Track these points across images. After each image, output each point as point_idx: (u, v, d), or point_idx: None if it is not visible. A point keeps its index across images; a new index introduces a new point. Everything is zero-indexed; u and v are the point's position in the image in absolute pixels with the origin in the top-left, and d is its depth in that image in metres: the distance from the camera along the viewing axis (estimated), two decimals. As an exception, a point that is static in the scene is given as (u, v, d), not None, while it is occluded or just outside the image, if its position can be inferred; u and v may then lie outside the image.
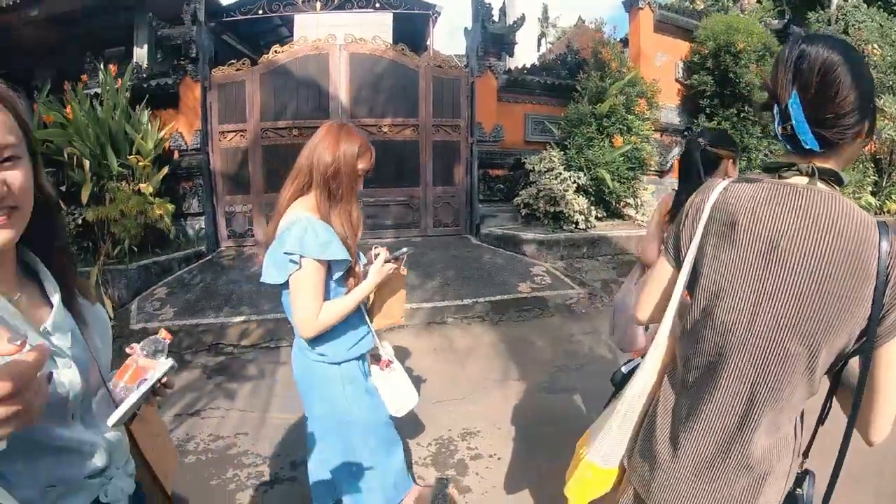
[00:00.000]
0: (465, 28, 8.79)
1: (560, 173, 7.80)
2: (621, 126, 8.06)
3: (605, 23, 9.59)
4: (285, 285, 1.97)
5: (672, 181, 9.61)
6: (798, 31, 12.85)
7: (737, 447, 1.19)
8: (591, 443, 1.51)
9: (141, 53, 9.61)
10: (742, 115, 9.32)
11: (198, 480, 3.09)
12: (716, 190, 1.25)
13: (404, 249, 2.23)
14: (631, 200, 8.26)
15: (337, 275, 2.01)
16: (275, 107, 8.06)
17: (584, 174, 7.79)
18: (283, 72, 8.06)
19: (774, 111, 1.17)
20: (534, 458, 3.25)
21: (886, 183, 12.42)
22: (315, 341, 2.01)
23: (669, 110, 9.90)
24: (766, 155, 9.51)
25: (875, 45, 19.51)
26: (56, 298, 1.05)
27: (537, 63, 10.15)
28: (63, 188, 6.47)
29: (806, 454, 1.31)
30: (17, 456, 0.89)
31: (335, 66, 8.07)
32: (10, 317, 0.93)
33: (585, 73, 8.63)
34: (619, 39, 9.85)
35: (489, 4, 8.78)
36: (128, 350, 1.16)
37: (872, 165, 13.39)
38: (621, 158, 7.86)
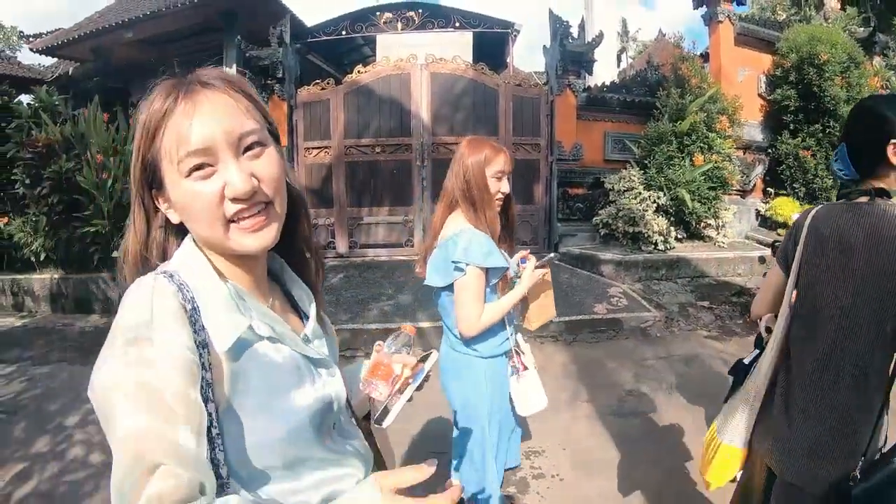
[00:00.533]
0: (544, 46, 8.86)
1: (640, 193, 7.78)
2: (702, 144, 7.96)
3: (683, 38, 9.45)
4: (446, 288, 2.21)
5: (755, 201, 9.44)
6: (884, 39, 12.44)
7: (837, 396, 1.54)
8: (727, 429, 1.80)
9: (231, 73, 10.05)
10: (827, 130, 9.01)
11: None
12: (811, 213, 1.66)
13: (551, 255, 2.48)
14: (712, 221, 8.14)
15: (493, 281, 2.21)
16: (358, 124, 8.35)
17: (664, 194, 7.74)
18: (365, 91, 8.33)
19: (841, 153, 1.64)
20: (594, 480, 3.30)
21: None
22: (470, 339, 2.22)
23: (752, 127, 9.70)
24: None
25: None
26: (310, 306, 1.03)
27: (617, 80, 10.15)
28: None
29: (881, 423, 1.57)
30: (291, 476, 0.87)
31: (416, 84, 8.28)
32: (273, 323, 0.90)
33: (665, 91, 8.57)
34: (699, 54, 9.72)
35: (567, 22, 8.84)
36: (375, 348, 1.18)
37: None
38: (702, 178, 7.77)
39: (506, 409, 2.39)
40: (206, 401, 0.76)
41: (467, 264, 2.08)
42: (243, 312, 0.86)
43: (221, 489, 0.77)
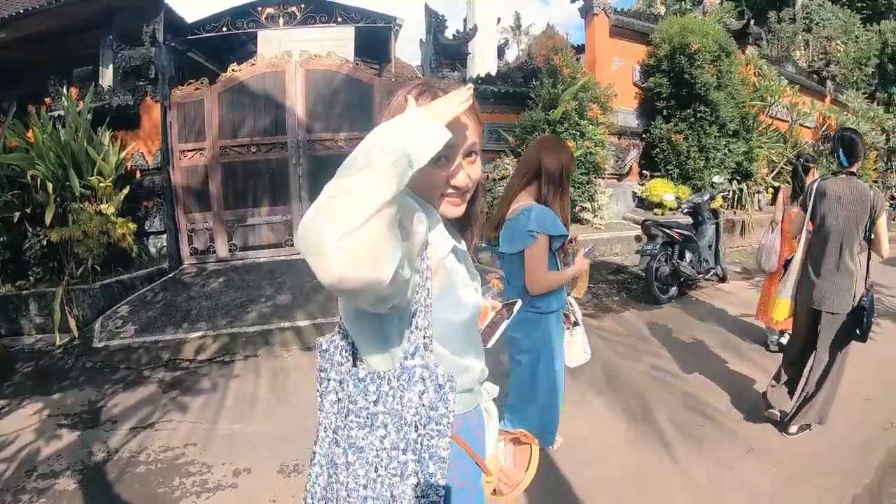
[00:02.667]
0: (421, 40, 8.94)
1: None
2: (574, 131, 8.19)
3: (569, 33, 9.73)
4: (515, 255, 2.72)
5: (631, 183, 9.78)
6: (756, 30, 13.10)
7: (842, 264, 3.36)
8: (783, 291, 3.70)
9: (108, 74, 9.71)
10: (699, 115, 9.45)
11: (145, 488, 3.25)
12: (817, 182, 3.52)
13: (591, 246, 3.18)
14: (588, 205, 8.40)
15: (555, 246, 2.76)
16: (233, 124, 8.19)
17: (484, 200, 7.88)
18: (240, 89, 8.18)
19: (839, 155, 3.43)
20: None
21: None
22: (532, 298, 2.73)
23: (627, 114, 10.07)
24: (724, 154, 9.69)
25: (838, 42, 19.99)
26: (462, 243, 1.38)
27: (493, 73, 10.29)
28: (28, 210, 6.56)
29: (866, 279, 3.42)
30: (461, 352, 1.31)
31: (291, 82, 8.20)
32: (460, 247, 1.33)
33: (539, 81, 8.77)
34: (574, 46, 10.00)
35: (442, 16, 8.95)
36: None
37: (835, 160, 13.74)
38: (575, 163, 7.99)
39: (560, 361, 2.97)
40: (425, 280, 1.15)
41: (538, 232, 2.59)
42: (452, 237, 1.28)
43: (425, 347, 1.16)
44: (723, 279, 7.73)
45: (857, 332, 3.36)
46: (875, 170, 15.83)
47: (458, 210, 1.28)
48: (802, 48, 18.02)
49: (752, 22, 12.60)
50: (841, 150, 3.47)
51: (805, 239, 3.63)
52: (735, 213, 10.59)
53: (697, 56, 9.30)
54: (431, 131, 1.00)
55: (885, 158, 17.05)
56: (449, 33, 9.18)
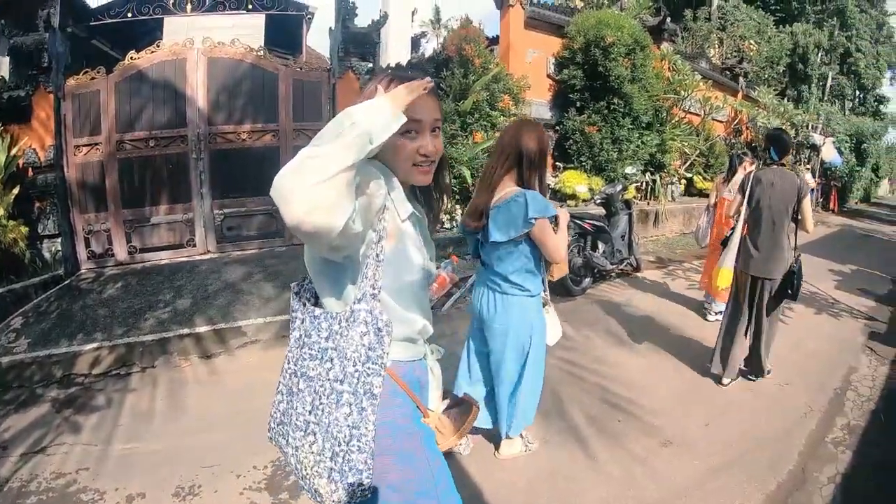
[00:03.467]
0: (330, 28, 8.69)
1: None
2: (485, 122, 8.12)
3: (482, 23, 9.67)
4: (506, 243, 2.76)
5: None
6: (672, 27, 13.40)
7: (774, 238, 4.07)
8: (724, 261, 4.27)
9: (4, 63, 9.06)
10: (612, 107, 9.54)
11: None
12: (756, 172, 4.23)
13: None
14: (501, 196, 8.30)
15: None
16: (131, 116, 7.68)
17: (448, 173, 7.78)
18: (139, 79, 7.69)
19: (770, 151, 4.20)
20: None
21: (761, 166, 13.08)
22: (519, 281, 2.86)
23: (540, 105, 10.08)
24: (637, 146, 9.83)
25: (751, 41, 20.78)
26: (420, 209, 1.58)
27: (405, 63, 10.11)
28: None
29: (795, 250, 4.12)
30: (410, 309, 1.50)
31: (192, 71, 7.77)
32: (417, 212, 1.53)
33: (450, 71, 8.66)
34: (488, 37, 9.94)
35: (353, 4, 8.74)
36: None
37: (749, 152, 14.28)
38: (485, 155, 7.91)
39: (543, 339, 3.07)
40: (379, 238, 1.36)
41: (537, 218, 2.63)
42: (412, 205, 1.47)
43: (372, 296, 1.36)
44: (637, 269, 7.79)
45: (790, 291, 4.12)
46: (784, 163, 16.62)
47: (427, 178, 1.47)
48: (717, 46, 18.58)
49: (667, 19, 12.88)
50: (772, 147, 4.25)
51: (743, 218, 4.28)
52: (649, 203, 10.76)
53: (612, 49, 9.38)
54: (391, 115, 1.23)
55: (795, 151, 17.86)
56: (366, 22, 8.95)
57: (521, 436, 3.32)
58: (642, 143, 9.99)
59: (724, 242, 4.49)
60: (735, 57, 16.68)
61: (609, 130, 9.49)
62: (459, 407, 1.80)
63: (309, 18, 10.25)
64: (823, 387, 4.51)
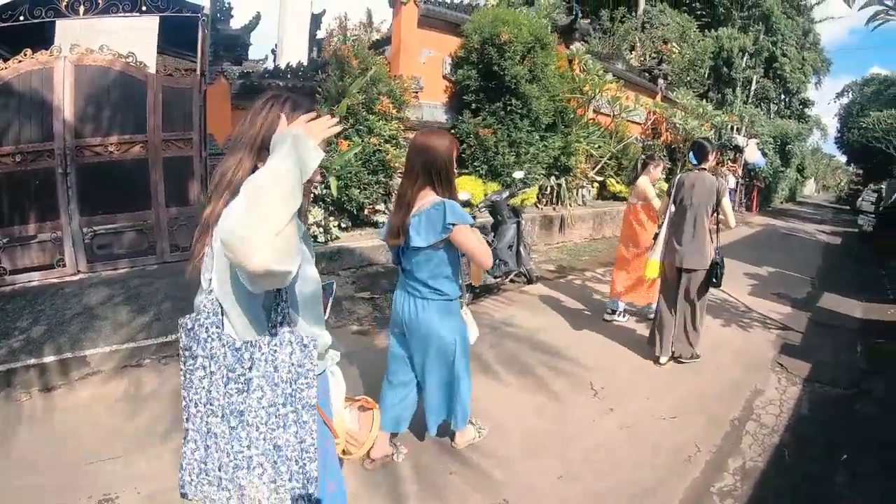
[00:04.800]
0: (204, 30, 7.83)
1: None
2: (361, 128, 7.31)
3: (381, 22, 8.96)
4: (427, 248, 2.76)
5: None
6: (585, 26, 12.97)
7: (696, 233, 4.58)
8: (653, 253, 4.84)
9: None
10: (509, 108, 8.85)
11: None
12: (680, 176, 4.80)
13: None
14: (381, 206, 7.53)
15: None
16: (-4, 130, 6.70)
17: (321, 182, 6.98)
18: (5, 90, 6.67)
19: (691, 156, 4.75)
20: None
21: (681, 169, 12.74)
22: (438, 286, 2.87)
23: (435, 108, 9.34)
24: (538, 149, 9.19)
25: (674, 45, 20.71)
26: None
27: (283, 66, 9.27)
28: None
29: (715, 244, 4.67)
30: (314, 321, 1.60)
31: (59, 81, 6.84)
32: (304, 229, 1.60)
33: (326, 73, 7.85)
34: (375, 38, 9.19)
35: (228, 4, 7.90)
36: None
37: (666, 152, 13.98)
38: (358, 163, 7.12)
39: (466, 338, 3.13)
40: None
41: (455, 224, 2.66)
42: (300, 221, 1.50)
43: (290, 315, 1.44)
44: (531, 280, 7.13)
45: (714, 280, 4.62)
46: (704, 168, 16.46)
47: (307, 199, 1.59)
48: (638, 47, 18.36)
49: (579, 18, 12.43)
50: (692, 153, 4.76)
51: (669, 216, 4.76)
52: (555, 208, 10.15)
53: (508, 47, 8.69)
54: (314, 154, 1.28)
55: (716, 153, 17.67)
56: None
57: (471, 422, 3.42)
58: (544, 145, 9.34)
59: (655, 236, 5.01)
60: (654, 58, 16.37)
61: (505, 133, 8.79)
62: (361, 412, 1.88)
63: (205, 20, 9.32)
64: (718, 419, 3.97)
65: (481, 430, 3.51)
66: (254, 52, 9.06)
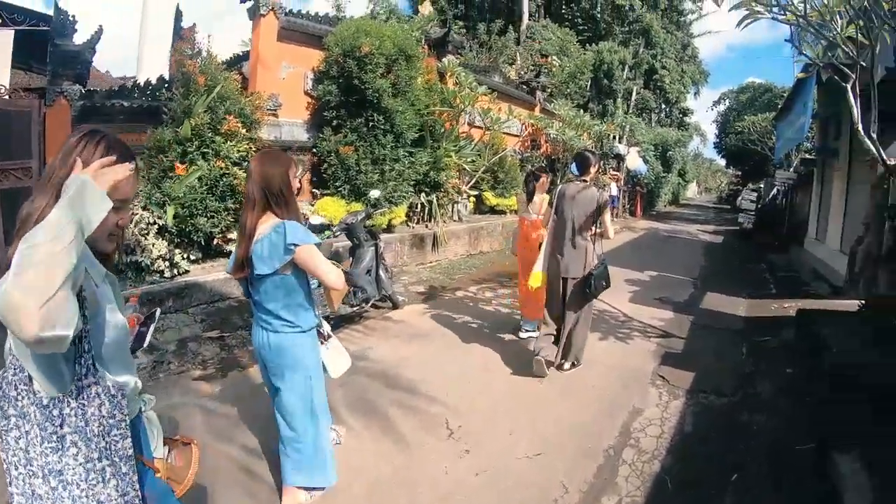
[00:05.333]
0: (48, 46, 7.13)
1: (136, 213, 6.30)
2: (206, 150, 6.78)
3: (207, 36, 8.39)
4: (272, 275, 2.64)
5: (302, 203, 8.65)
6: (458, 39, 12.95)
7: (577, 243, 4.70)
8: (538, 265, 4.81)
9: None
10: (371, 124, 8.55)
11: None
12: (562, 187, 4.91)
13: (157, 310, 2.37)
14: (234, 235, 7.02)
15: None
16: None
17: (165, 212, 6.41)
18: None
19: (573, 168, 4.97)
20: None
21: (561, 179, 12.91)
22: (289, 316, 2.75)
23: (295, 126, 8.94)
24: (404, 165, 8.94)
25: (554, 58, 21.25)
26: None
27: (142, 82, 8.63)
28: None
29: (596, 255, 4.77)
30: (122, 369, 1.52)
31: None
32: (107, 275, 1.53)
33: (171, 92, 7.28)
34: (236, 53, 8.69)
35: (72, 17, 7.24)
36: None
37: (546, 163, 14.17)
38: (204, 189, 6.60)
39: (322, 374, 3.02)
40: (83, 309, 1.31)
41: (297, 245, 2.55)
42: (102, 266, 1.49)
43: (94, 366, 1.38)
44: (396, 306, 6.81)
45: (588, 290, 4.66)
46: (585, 179, 16.90)
47: (114, 244, 1.53)
48: (519, 61, 18.64)
49: (452, 31, 12.40)
50: (574, 164, 4.92)
51: (551, 226, 4.85)
52: (427, 226, 9.94)
53: (369, 60, 8.40)
54: (100, 205, 1.26)
55: (598, 164, 18.19)
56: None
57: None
58: (411, 161, 9.10)
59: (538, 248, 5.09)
60: (532, 71, 16.63)
61: (368, 150, 8.46)
62: (181, 449, 1.85)
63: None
64: (591, 450, 3.64)
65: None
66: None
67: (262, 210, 2.63)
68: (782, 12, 4.63)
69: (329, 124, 8.74)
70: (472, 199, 11.98)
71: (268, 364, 2.86)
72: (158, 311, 1.95)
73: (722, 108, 44.64)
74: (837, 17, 4.64)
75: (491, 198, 12.20)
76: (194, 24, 8.58)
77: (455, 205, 11.06)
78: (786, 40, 5.16)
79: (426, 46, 10.94)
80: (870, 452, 3.18)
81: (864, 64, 4.55)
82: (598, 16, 28.58)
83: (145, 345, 1.82)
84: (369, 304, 6.38)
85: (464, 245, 10.68)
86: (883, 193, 7.57)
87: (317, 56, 9.25)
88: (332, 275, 2.67)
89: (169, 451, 1.82)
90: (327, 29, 9.35)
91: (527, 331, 5.94)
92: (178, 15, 10.88)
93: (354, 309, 6.15)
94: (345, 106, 8.68)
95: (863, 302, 6.25)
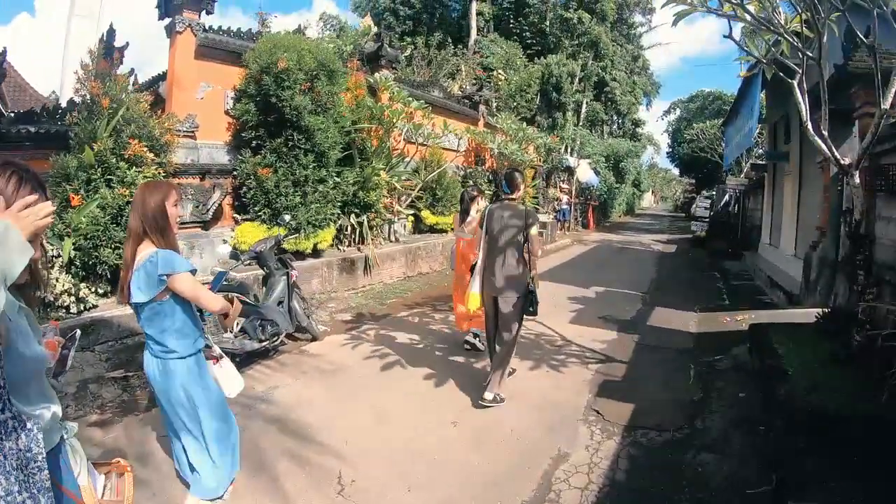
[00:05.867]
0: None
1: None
2: (111, 176, 6.36)
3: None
4: (150, 302, 2.67)
5: (222, 230, 8.26)
6: (392, 53, 12.73)
7: (507, 262, 4.67)
8: (472, 286, 4.80)
9: None
10: (291, 144, 8.18)
11: None
12: (489, 207, 4.95)
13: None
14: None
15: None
16: None
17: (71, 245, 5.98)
18: None
19: (503, 186, 4.97)
20: None
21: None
22: (170, 343, 2.77)
23: (215, 148, 8.54)
24: (329, 186, 8.58)
25: (501, 71, 21.24)
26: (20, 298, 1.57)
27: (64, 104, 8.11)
28: None
29: (529, 272, 4.72)
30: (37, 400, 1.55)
31: None
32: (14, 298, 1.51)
33: (75, 115, 6.82)
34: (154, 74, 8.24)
35: None
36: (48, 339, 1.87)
37: (490, 179, 14.02)
38: (107, 218, 6.19)
39: (218, 395, 3.01)
40: None
41: (172, 274, 2.60)
42: (13, 298, 1.47)
43: (8, 401, 1.38)
44: (315, 338, 6.44)
45: (531, 308, 4.74)
46: (534, 186, 16.81)
47: (29, 276, 1.53)
48: (462, 75, 18.53)
49: (385, 45, 12.14)
50: (504, 183, 4.97)
51: (483, 247, 4.83)
52: (359, 249, 9.60)
53: (287, 76, 8.06)
54: (23, 252, 1.28)
55: (545, 176, 18.18)
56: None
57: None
58: (336, 182, 8.74)
59: (472, 268, 5.05)
60: (475, 85, 16.50)
61: (288, 171, 8.07)
62: (116, 479, 1.91)
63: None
64: None
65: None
66: None
67: (140, 238, 2.68)
68: (719, 7, 4.44)
69: (248, 145, 8.37)
70: (411, 218, 11.67)
71: (154, 387, 2.90)
72: (78, 332, 2.02)
73: (673, 117, 45.51)
74: (781, 8, 4.47)
75: (430, 216, 11.89)
76: (127, 44, 8.12)
77: (391, 225, 10.74)
78: (724, 36, 4.74)
79: (357, 61, 10.67)
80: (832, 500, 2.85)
81: (811, 55, 4.35)
82: (548, 29, 28.87)
83: (67, 368, 1.84)
84: (280, 339, 5.97)
85: (400, 267, 10.38)
86: (837, 195, 7.38)
87: (238, 74, 8.86)
88: (210, 300, 2.80)
89: (106, 480, 1.88)
90: (247, 45, 8.97)
91: (475, 336, 6.21)
92: (111, 34, 10.37)
93: (264, 344, 5.71)
94: (264, 125, 8.31)
95: (820, 311, 5.76)
